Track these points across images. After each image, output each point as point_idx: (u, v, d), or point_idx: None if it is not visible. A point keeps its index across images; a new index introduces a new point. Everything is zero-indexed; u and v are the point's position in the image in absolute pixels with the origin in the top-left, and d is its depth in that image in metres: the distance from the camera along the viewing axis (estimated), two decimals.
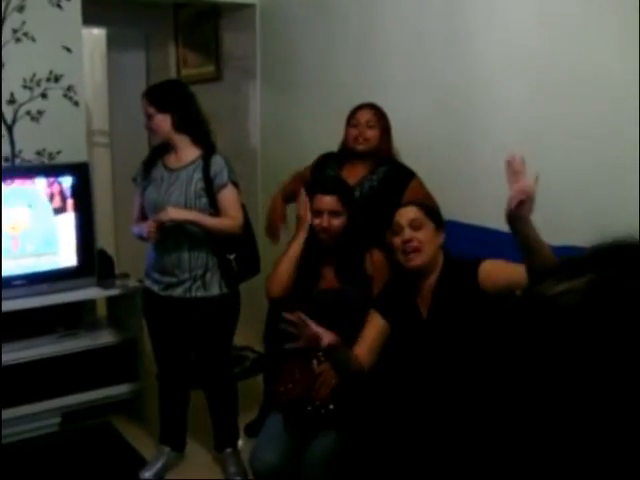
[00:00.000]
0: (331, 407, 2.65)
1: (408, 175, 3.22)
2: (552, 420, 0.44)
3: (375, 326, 2.53)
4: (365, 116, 3.22)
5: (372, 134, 3.22)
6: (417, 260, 2.41)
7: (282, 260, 2.85)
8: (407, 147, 3.32)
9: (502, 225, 2.95)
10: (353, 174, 3.18)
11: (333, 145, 3.37)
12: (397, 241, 2.45)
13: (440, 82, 3.41)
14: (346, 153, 3.29)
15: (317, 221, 2.79)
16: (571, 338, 0.44)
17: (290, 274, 2.82)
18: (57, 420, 3.66)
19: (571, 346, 0.44)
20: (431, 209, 2.60)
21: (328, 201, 2.80)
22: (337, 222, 2.78)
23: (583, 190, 2.83)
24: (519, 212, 1.95)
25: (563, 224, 2.88)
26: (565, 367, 0.43)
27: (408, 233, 2.42)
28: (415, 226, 2.43)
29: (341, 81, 3.97)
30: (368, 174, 3.22)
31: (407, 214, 2.47)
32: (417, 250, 2.41)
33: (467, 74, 3.27)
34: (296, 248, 2.84)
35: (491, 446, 0.48)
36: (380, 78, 3.73)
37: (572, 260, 0.50)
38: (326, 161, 3.38)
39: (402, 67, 3.61)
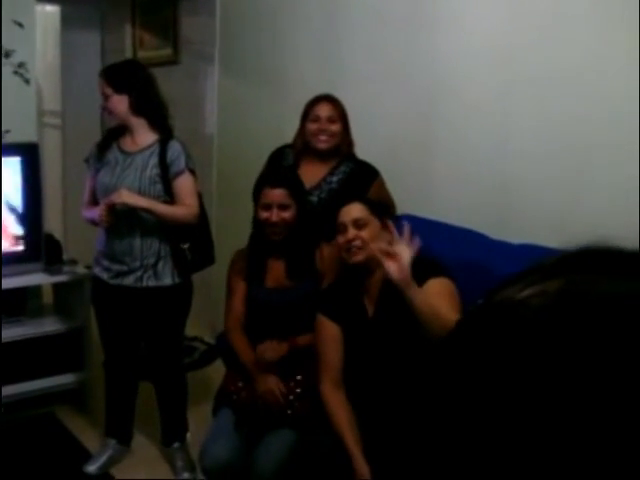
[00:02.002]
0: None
1: (372, 174, 3.04)
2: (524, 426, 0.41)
3: (333, 341, 2.47)
4: (326, 110, 3.03)
5: (335, 129, 3.02)
6: (359, 256, 2.38)
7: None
8: (369, 142, 3.25)
9: (457, 221, 2.97)
10: (311, 174, 2.98)
11: (291, 134, 3.19)
12: (341, 240, 2.42)
13: (404, 75, 3.35)
14: (304, 150, 3.09)
15: (265, 215, 2.69)
16: (546, 339, 0.42)
17: None
18: None
19: (547, 347, 0.42)
20: (377, 205, 2.52)
21: (276, 194, 2.68)
22: (287, 215, 2.69)
23: (547, 190, 2.82)
24: (391, 276, 2.16)
25: (525, 222, 2.88)
26: (541, 368, 0.42)
27: (352, 232, 2.39)
28: (359, 225, 2.40)
29: (302, 71, 3.90)
30: (327, 174, 3.03)
31: (351, 213, 2.43)
32: (360, 248, 2.38)
33: (432, 68, 3.22)
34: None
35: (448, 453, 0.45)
36: (342, 70, 3.66)
37: (534, 268, 0.48)
38: (281, 155, 3.19)
39: (365, 59, 3.55)
